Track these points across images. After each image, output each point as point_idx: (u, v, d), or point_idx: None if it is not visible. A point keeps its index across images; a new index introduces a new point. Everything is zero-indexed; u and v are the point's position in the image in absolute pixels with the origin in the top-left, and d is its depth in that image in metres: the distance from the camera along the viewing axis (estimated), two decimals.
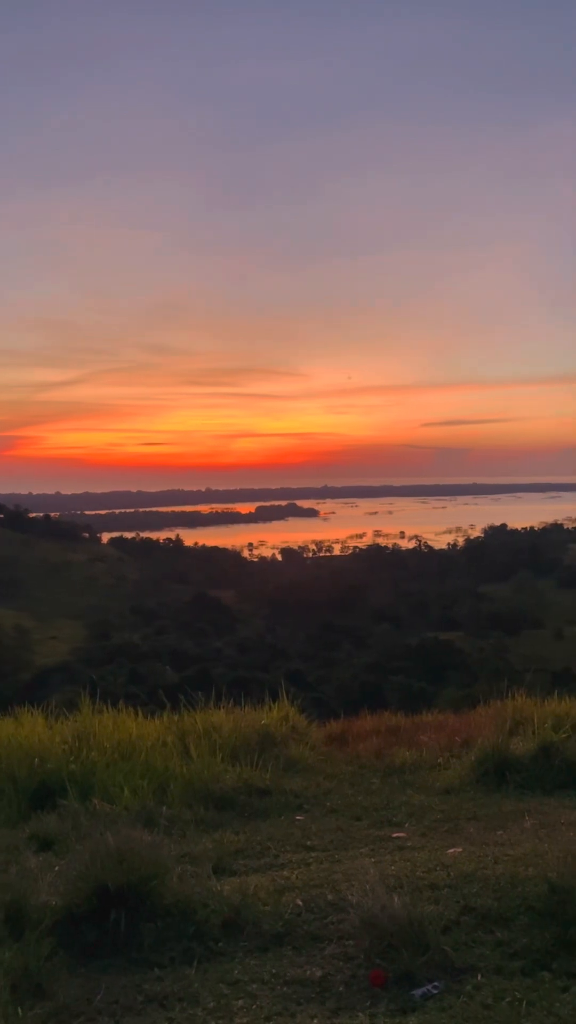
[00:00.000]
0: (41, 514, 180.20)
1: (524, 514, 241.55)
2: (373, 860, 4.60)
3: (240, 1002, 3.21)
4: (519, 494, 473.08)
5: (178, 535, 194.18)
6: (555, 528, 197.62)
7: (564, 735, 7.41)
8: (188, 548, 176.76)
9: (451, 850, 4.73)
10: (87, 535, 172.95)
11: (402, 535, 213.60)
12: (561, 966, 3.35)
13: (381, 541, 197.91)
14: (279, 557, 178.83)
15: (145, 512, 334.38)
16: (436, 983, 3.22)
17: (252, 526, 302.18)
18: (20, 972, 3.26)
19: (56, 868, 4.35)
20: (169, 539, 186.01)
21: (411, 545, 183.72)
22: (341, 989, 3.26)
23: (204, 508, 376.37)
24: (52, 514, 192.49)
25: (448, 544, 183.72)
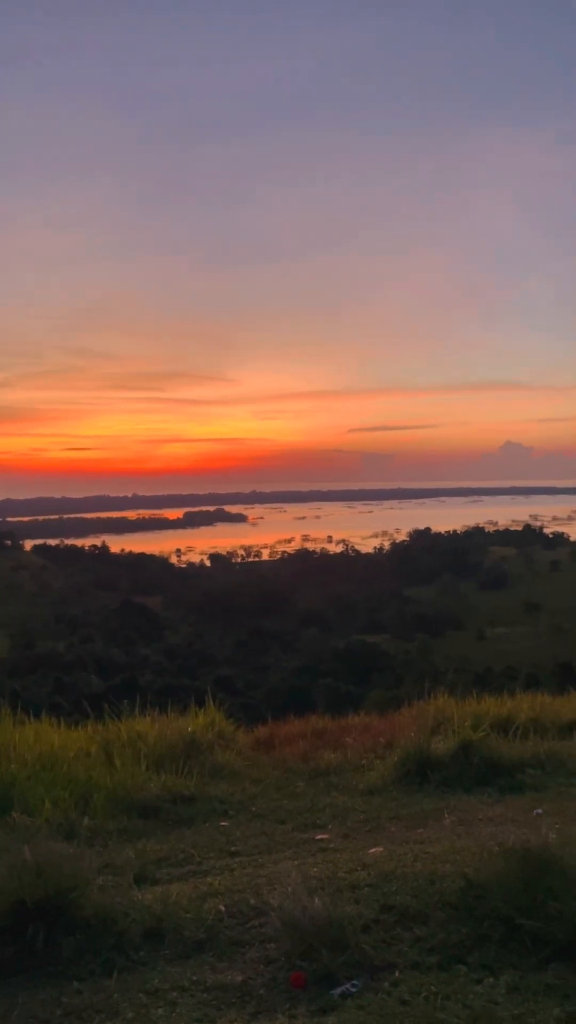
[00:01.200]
0: None
1: (447, 518, 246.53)
2: (296, 863, 4.63)
3: (160, 1011, 3.20)
4: (443, 498, 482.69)
5: (104, 542, 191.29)
6: (477, 532, 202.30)
7: (483, 733, 7.60)
8: (114, 555, 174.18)
9: (372, 850, 4.80)
10: (9, 543, 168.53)
11: (330, 539, 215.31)
12: (476, 959, 3.44)
13: (309, 546, 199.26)
14: (208, 563, 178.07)
15: (70, 518, 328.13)
16: (355, 981, 3.27)
17: (180, 532, 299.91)
18: None
19: None
20: (95, 546, 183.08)
21: (339, 549, 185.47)
22: (262, 992, 3.28)
23: (131, 514, 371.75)
24: None
25: (375, 548, 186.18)
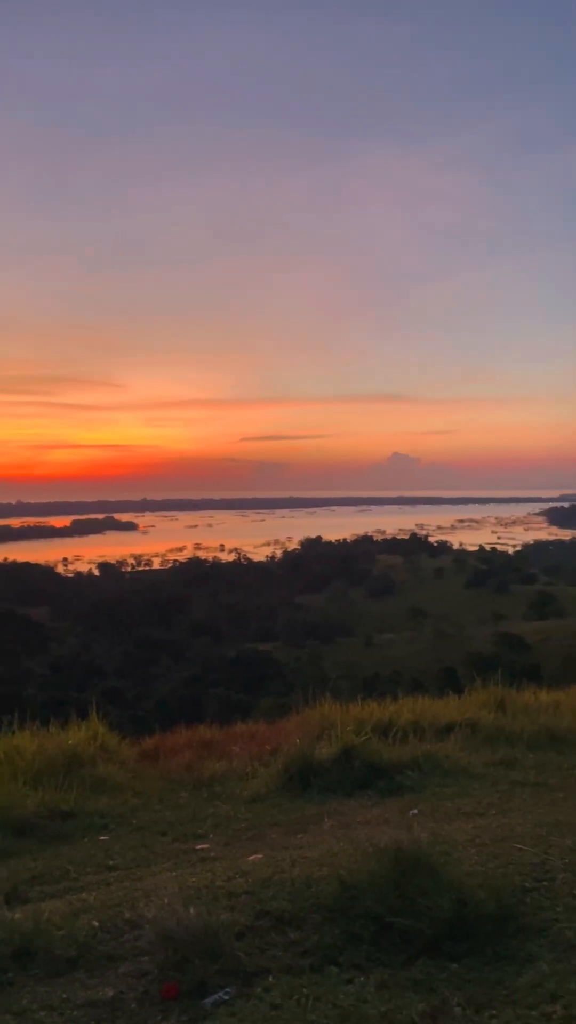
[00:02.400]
0: None
1: (338, 527, 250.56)
2: (174, 874, 4.59)
3: None
4: (333, 507, 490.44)
5: None
6: (365, 540, 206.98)
7: (365, 737, 7.76)
8: None
9: (251, 857, 4.82)
10: None
11: (222, 548, 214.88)
12: (348, 959, 3.51)
13: (201, 554, 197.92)
14: (96, 572, 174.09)
15: None
16: (228, 989, 3.28)
17: (67, 540, 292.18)
18: None
19: None
20: None
21: (231, 558, 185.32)
22: (133, 1006, 3.24)
23: (15, 522, 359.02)
24: None
25: (267, 556, 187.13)
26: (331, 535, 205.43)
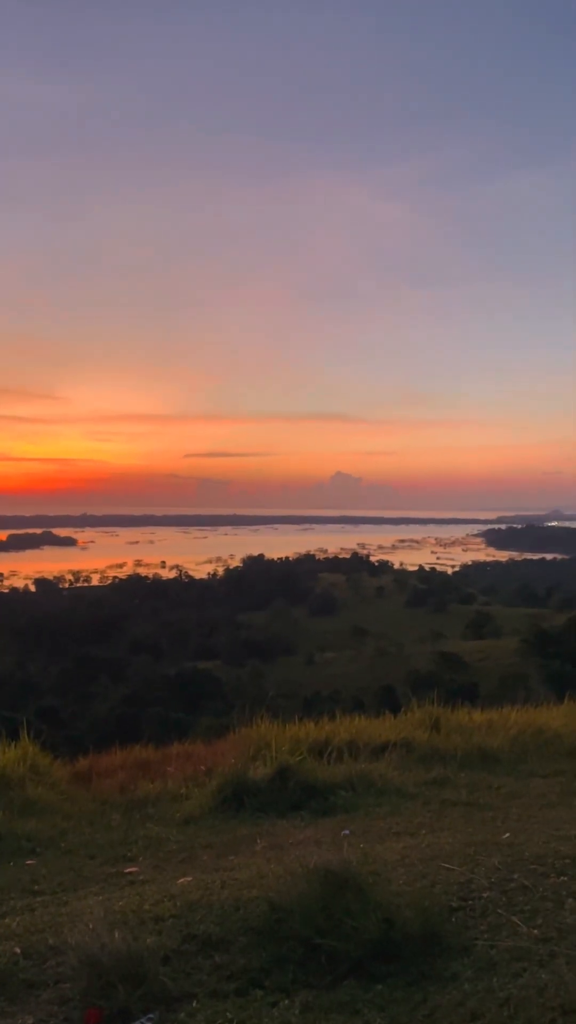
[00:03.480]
0: None
1: (280, 545, 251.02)
2: (101, 898, 4.52)
3: None
4: (276, 525, 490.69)
5: None
6: (308, 558, 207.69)
7: (300, 757, 7.76)
8: None
9: (181, 880, 4.77)
10: None
11: (163, 565, 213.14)
12: (274, 982, 3.50)
13: (142, 571, 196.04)
14: (32, 588, 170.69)
15: None
16: (151, 1015, 3.23)
17: (3, 555, 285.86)
18: None
19: None
20: None
21: (172, 575, 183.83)
22: None
23: None
24: None
25: (209, 574, 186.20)
26: (273, 553, 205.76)
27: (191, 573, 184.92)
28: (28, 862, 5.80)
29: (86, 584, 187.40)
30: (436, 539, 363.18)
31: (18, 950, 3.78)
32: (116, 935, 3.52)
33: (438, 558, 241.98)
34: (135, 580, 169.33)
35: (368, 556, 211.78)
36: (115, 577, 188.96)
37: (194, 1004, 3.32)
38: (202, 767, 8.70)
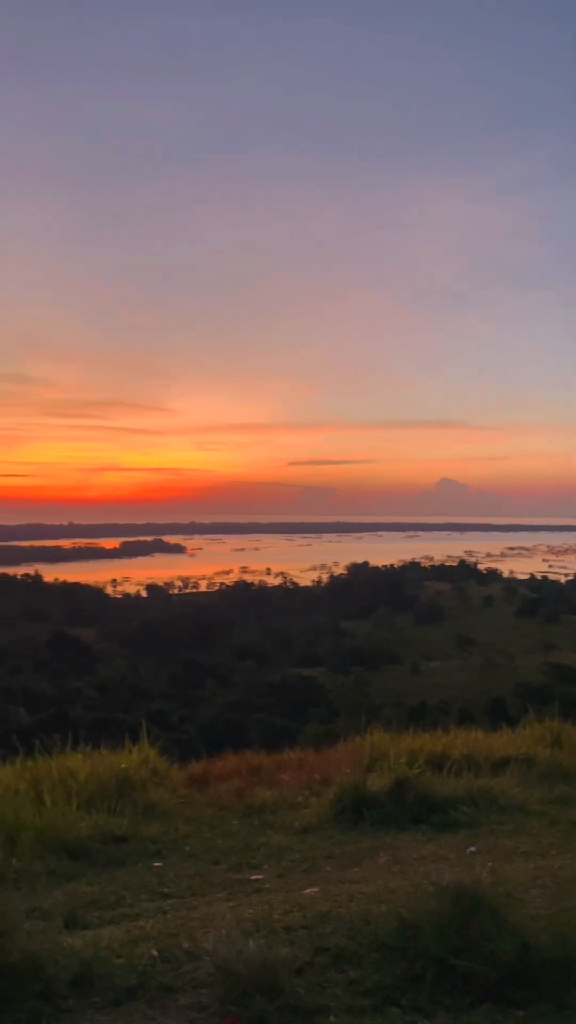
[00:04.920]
0: None
1: (384, 552, 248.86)
2: (230, 905, 4.57)
3: None
4: (381, 533, 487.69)
5: (37, 571, 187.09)
6: (412, 566, 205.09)
7: (418, 770, 7.65)
8: (47, 584, 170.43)
9: (307, 890, 4.77)
10: None
11: (268, 572, 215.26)
12: (409, 1001, 3.45)
13: (247, 578, 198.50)
14: (144, 594, 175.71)
15: (2, 546, 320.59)
16: None
17: (117, 562, 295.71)
18: None
19: None
20: (27, 575, 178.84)
21: (277, 582, 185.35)
22: None
23: (66, 543, 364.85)
24: None
25: (313, 581, 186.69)
26: (378, 560, 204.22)
27: (295, 580, 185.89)
28: (155, 864, 5.93)
29: (194, 590, 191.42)
30: (548, 546, 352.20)
31: (155, 952, 3.86)
32: (250, 944, 3.55)
33: (550, 566, 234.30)
34: (241, 587, 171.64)
35: (476, 564, 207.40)
36: (222, 584, 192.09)
37: (330, 1019, 3.31)
38: (316, 776, 8.70)
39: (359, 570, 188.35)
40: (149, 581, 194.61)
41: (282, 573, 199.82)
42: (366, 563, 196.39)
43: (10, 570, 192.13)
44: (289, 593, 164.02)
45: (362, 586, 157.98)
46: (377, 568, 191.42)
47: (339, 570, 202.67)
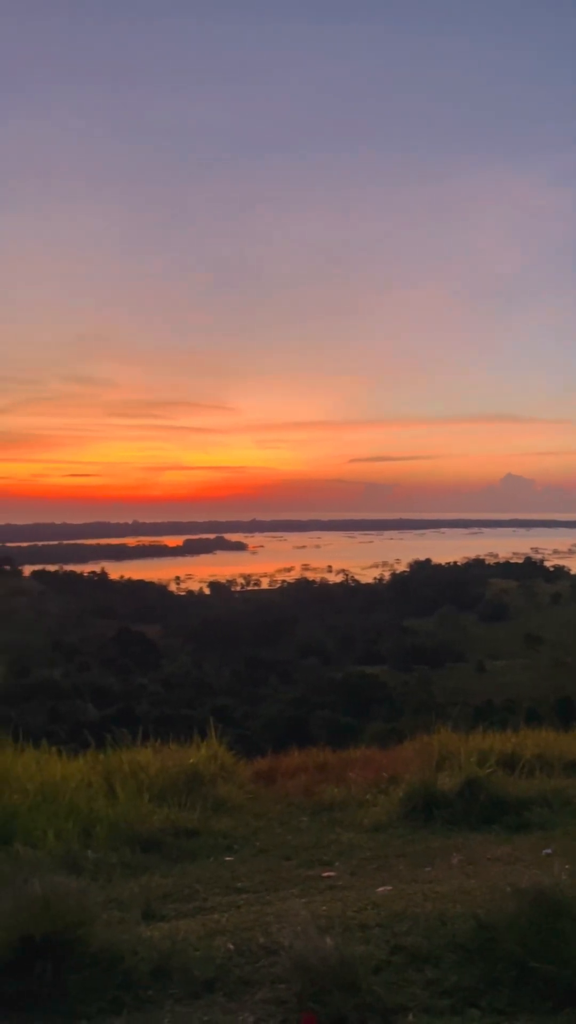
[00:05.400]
0: None
1: (448, 549, 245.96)
2: (304, 901, 4.58)
3: None
4: (443, 530, 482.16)
5: (103, 568, 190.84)
6: (477, 563, 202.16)
7: (489, 770, 7.55)
8: (113, 582, 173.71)
9: (380, 888, 4.75)
10: (8, 568, 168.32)
11: (329, 569, 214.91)
12: (489, 1003, 3.40)
13: (309, 575, 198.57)
14: (207, 591, 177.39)
15: (69, 544, 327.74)
16: None
17: (180, 559, 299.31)
18: None
19: None
20: (94, 572, 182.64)
21: (338, 579, 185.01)
22: None
23: (131, 541, 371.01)
24: None
25: (375, 578, 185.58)
26: (441, 558, 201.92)
27: (357, 577, 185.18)
28: (227, 858, 5.99)
29: (256, 588, 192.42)
30: None
31: (231, 946, 3.89)
32: (327, 940, 3.55)
33: None
34: (302, 584, 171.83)
35: (542, 561, 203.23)
36: (283, 581, 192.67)
37: (409, 1018, 3.28)
38: (383, 774, 8.65)
39: (422, 567, 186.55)
40: (212, 578, 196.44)
41: (344, 570, 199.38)
42: (429, 560, 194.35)
43: (78, 568, 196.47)
44: (351, 591, 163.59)
45: (425, 584, 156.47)
46: (440, 565, 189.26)
47: (401, 567, 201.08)
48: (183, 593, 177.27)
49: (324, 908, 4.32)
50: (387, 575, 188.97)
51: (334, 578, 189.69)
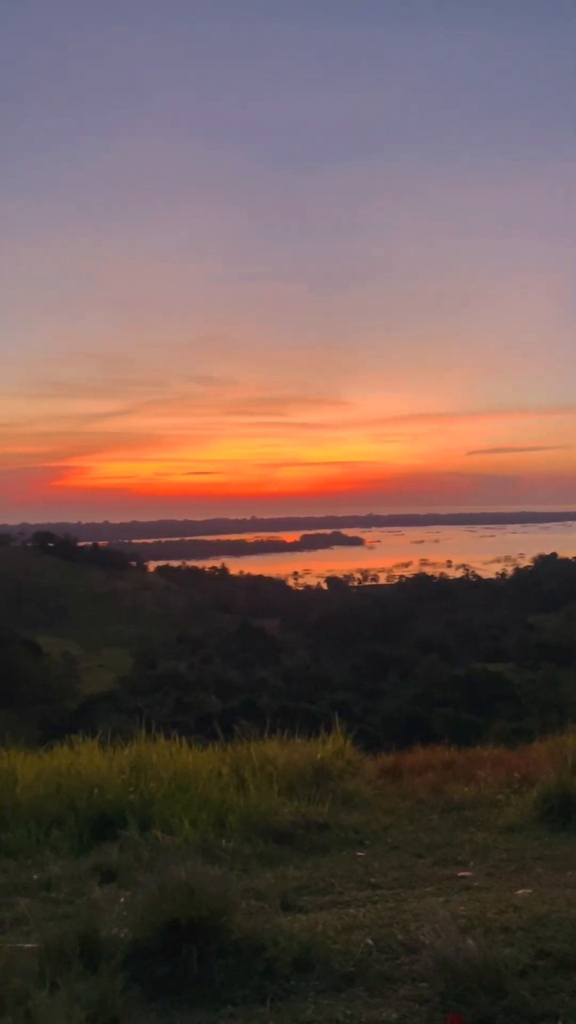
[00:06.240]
0: (90, 543, 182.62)
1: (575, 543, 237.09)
2: (441, 900, 4.52)
3: None
4: (570, 523, 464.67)
5: (224, 564, 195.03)
6: None
7: None
8: (233, 577, 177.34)
9: (520, 891, 4.63)
10: (134, 564, 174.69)
11: (449, 564, 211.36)
12: None
13: (428, 570, 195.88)
14: (324, 586, 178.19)
15: (191, 541, 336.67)
16: None
17: (297, 555, 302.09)
18: (96, 1005, 3.27)
19: (121, 900, 4.36)
20: (215, 568, 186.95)
21: (459, 574, 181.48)
22: None
23: (249, 537, 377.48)
24: (100, 543, 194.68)
25: (497, 574, 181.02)
26: (568, 552, 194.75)
27: (478, 573, 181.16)
28: (359, 853, 5.99)
29: (373, 583, 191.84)
30: None
31: (370, 942, 3.89)
32: (470, 941, 3.49)
33: None
34: (421, 579, 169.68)
35: None
36: (401, 576, 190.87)
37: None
38: (515, 774, 8.44)
39: (547, 562, 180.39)
40: (329, 574, 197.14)
41: (464, 565, 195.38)
42: (554, 555, 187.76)
43: (199, 563, 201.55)
44: (472, 586, 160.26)
45: (550, 579, 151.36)
46: (567, 560, 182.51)
47: (525, 562, 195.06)
48: (301, 588, 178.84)
49: (462, 908, 4.25)
50: (510, 570, 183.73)
51: (454, 573, 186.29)
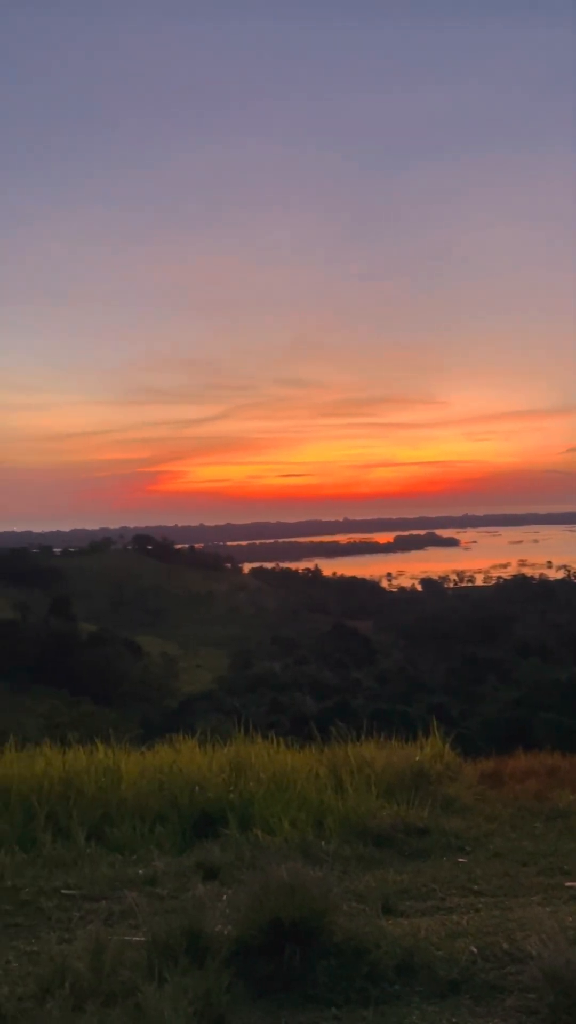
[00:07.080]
0: (186, 545, 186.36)
1: None
2: (548, 910, 4.40)
3: None
4: None
5: (316, 565, 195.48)
6: None
7: None
8: (326, 578, 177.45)
9: None
10: (229, 565, 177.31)
11: (549, 564, 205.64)
12: None
13: (527, 571, 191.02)
14: (419, 587, 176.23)
15: (284, 543, 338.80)
16: None
17: (390, 556, 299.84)
18: (202, 1000, 3.33)
19: (224, 897, 4.42)
20: (308, 569, 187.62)
21: (560, 575, 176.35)
22: None
23: (342, 538, 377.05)
24: (196, 545, 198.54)
25: None
26: None
27: None
28: (460, 859, 5.89)
29: (470, 584, 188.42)
30: None
31: (474, 949, 3.82)
32: None
33: None
34: (520, 581, 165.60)
35: None
36: (499, 577, 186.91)
37: None
38: None
39: None
40: (423, 575, 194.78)
41: (565, 566, 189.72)
42: None
43: (292, 565, 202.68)
44: (574, 588, 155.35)
45: None
46: None
47: None
48: (395, 590, 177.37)
49: (570, 919, 4.13)
50: None
51: (554, 574, 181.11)
